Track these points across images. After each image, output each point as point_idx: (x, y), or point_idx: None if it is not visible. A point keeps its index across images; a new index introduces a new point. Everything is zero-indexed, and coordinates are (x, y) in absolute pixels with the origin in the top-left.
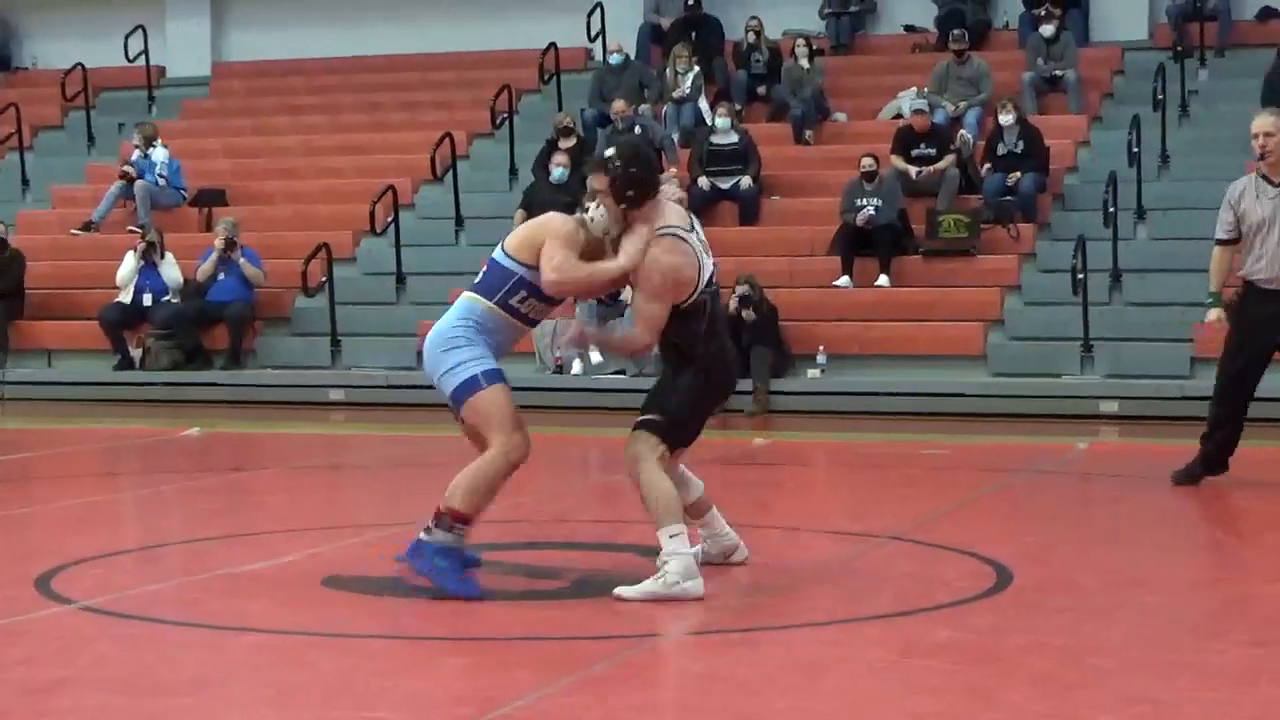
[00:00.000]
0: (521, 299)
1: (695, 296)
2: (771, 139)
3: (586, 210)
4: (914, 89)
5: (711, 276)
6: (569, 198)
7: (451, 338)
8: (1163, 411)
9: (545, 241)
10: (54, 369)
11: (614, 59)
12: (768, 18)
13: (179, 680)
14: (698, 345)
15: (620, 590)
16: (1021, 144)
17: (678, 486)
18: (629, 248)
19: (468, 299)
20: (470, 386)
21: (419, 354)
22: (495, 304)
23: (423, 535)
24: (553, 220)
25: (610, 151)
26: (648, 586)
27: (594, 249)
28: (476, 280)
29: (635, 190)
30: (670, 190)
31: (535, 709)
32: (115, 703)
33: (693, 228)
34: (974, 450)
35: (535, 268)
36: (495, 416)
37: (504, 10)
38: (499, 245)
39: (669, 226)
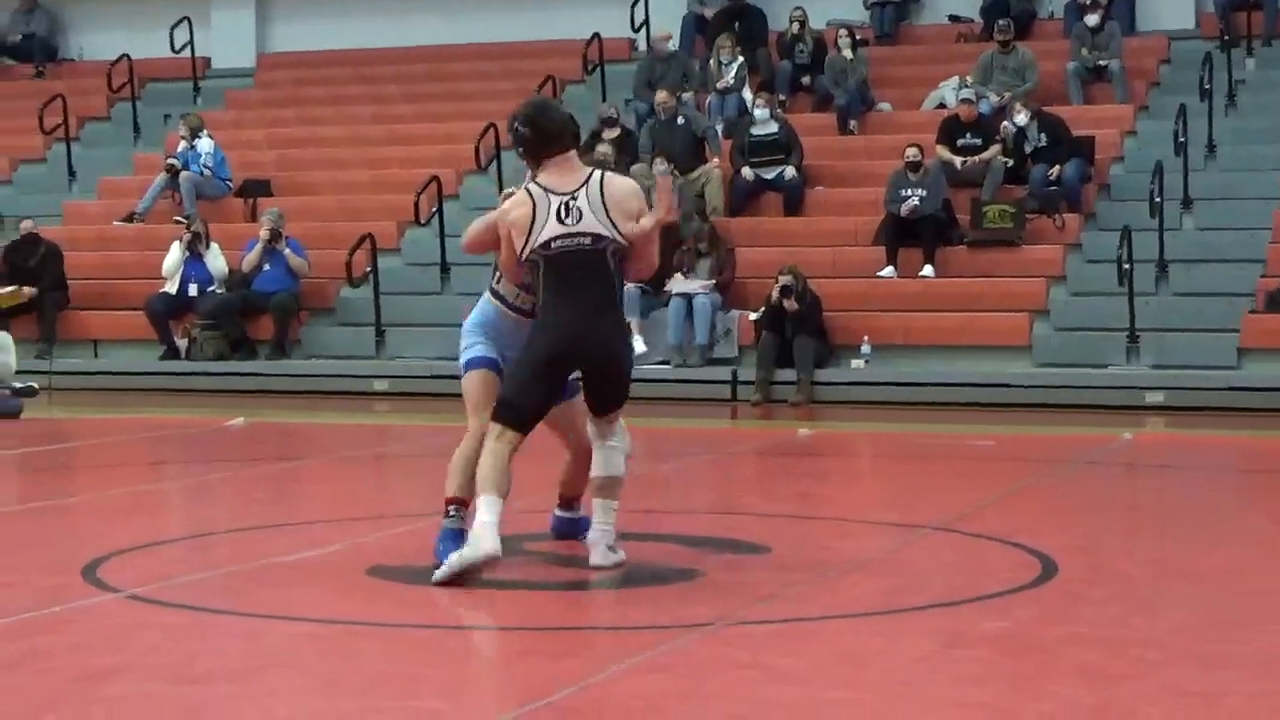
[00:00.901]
0: (498, 280)
1: (524, 252)
2: (816, 129)
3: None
4: (956, 78)
5: (553, 241)
6: None
7: (463, 334)
8: (1209, 402)
9: None
10: (100, 359)
11: (668, 46)
12: (812, 8)
13: (224, 668)
14: (537, 302)
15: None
16: (1044, 136)
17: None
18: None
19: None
20: (465, 369)
21: None
22: (490, 294)
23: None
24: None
25: (516, 111)
26: (451, 560)
27: None
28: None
29: (526, 149)
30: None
31: (579, 699)
32: (162, 690)
33: (573, 195)
34: (1019, 441)
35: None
36: (469, 400)
37: (548, 1)
38: None
39: (532, 183)
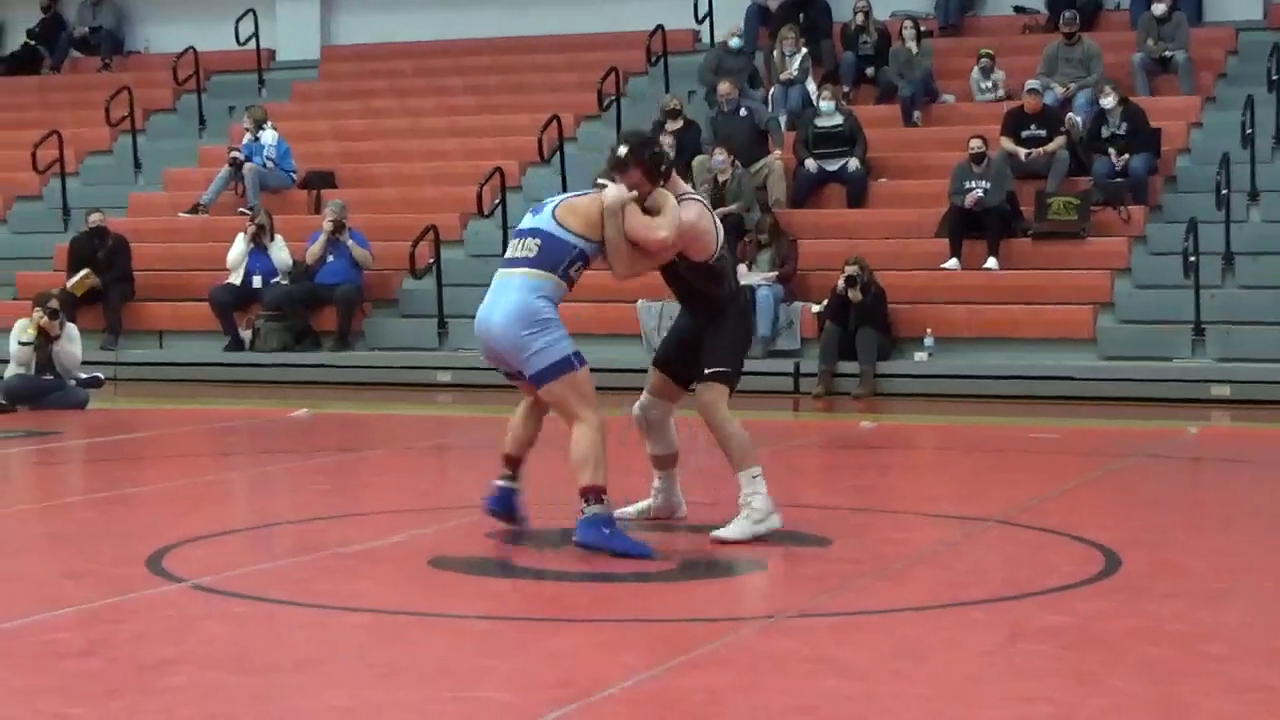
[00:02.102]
0: (577, 269)
1: (718, 254)
2: (880, 121)
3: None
4: (975, 68)
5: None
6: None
7: (540, 318)
8: (1275, 395)
9: (626, 214)
10: (165, 350)
11: (734, 43)
12: (873, 1)
13: (286, 658)
14: (727, 297)
15: (716, 533)
16: (1125, 125)
17: (659, 440)
18: (667, 203)
19: (534, 275)
20: (564, 366)
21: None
22: (559, 276)
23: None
24: (610, 193)
25: (622, 149)
26: (740, 526)
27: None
28: (530, 256)
29: (665, 165)
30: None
31: (639, 691)
32: (224, 680)
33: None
34: (1083, 434)
35: (596, 241)
36: (585, 394)
37: None
38: (547, 219)
39: (691, 194)
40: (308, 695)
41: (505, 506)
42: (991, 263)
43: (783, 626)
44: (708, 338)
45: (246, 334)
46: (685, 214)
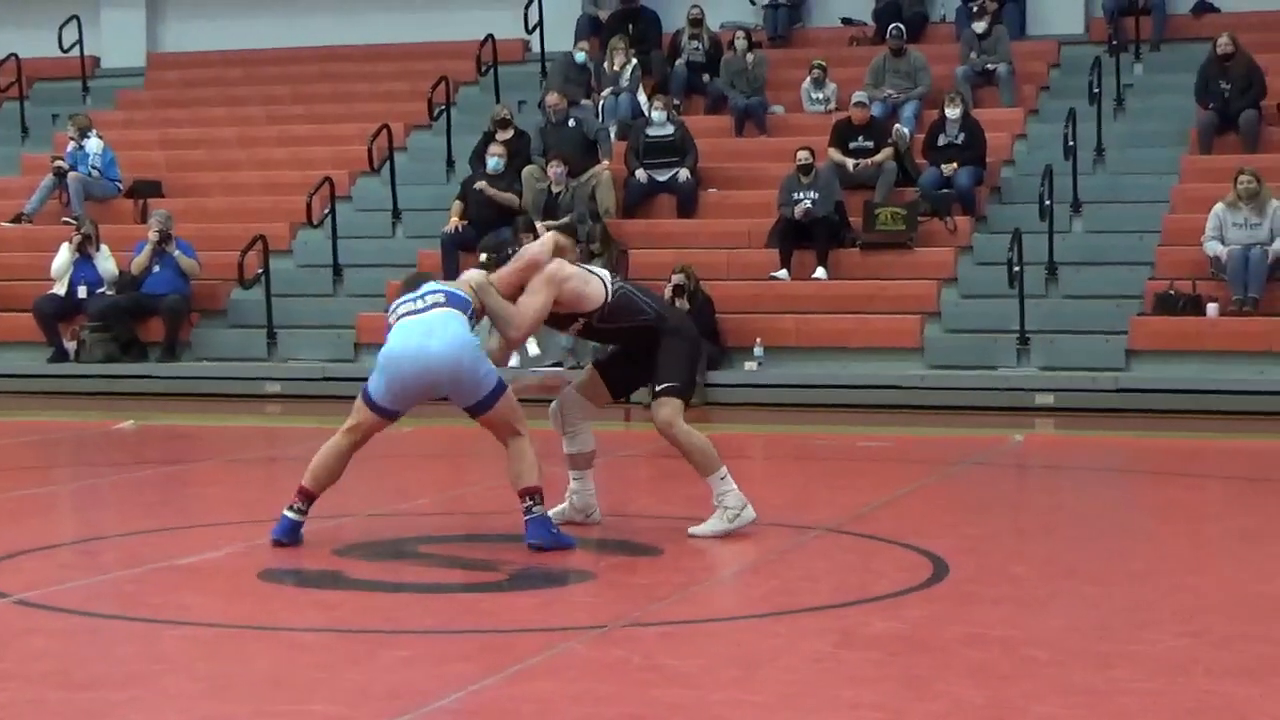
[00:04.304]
0: (473, 321)
1: (609, 300)
2: (710, 131)
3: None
4: (807, 79)
5: (614, 279)
6: (504, 186)
7: (478, 347)
8: (1098, 404)
9: (487, 300)
10: None
11: (579, 57)
12: (705, 9)
13: (115, 673)
14: (653, 322)
15: (693, 530)
16: (963, 136)
17: (575, 437)
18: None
19: (455, 313)
20: (502, 388)
21: (356, 346)
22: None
23: (535, 512)
24: (472, 277)
25: (481, 258)
26: (715, 523)
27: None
28: (442, 301)
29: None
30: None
31: (472, 702)
32: (50, 696)
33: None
34: (911, 442)
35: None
36: (520, 410)
37: (441, 2)
38: (444, 285)
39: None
40: (136, 710)
41: (292, 537)
42: (820, 273)
43: (614, 636)
44: (657, 358)
45: (71, 345)
46: (537, 299)
